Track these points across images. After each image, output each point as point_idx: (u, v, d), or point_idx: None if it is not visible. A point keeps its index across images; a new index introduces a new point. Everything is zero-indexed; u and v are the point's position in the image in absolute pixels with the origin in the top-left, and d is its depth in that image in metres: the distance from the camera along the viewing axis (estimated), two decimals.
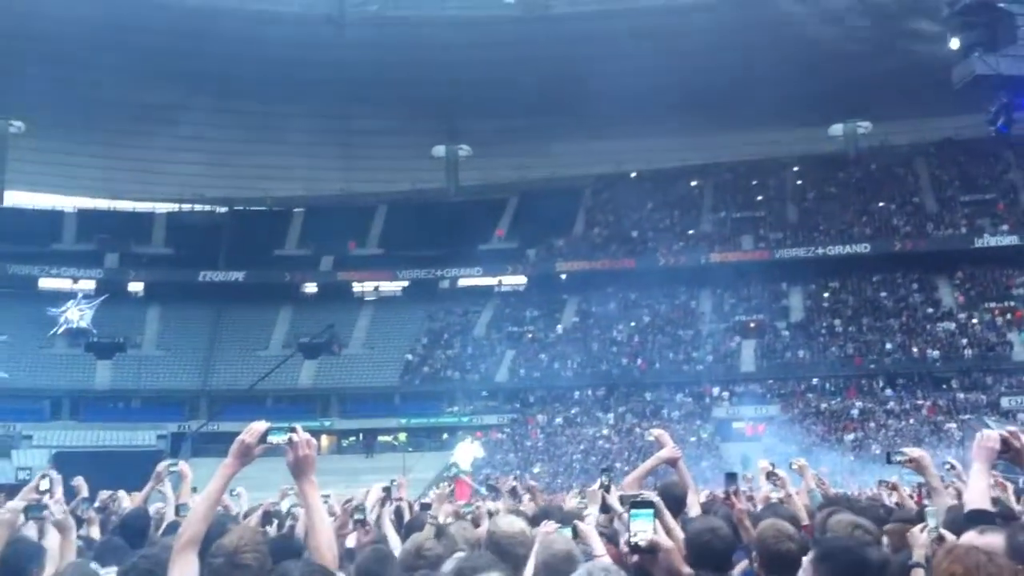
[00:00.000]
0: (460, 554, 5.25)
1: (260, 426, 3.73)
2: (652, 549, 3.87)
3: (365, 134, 63.71)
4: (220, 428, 45.97)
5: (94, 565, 5.35)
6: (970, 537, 3.62)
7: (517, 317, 63.53)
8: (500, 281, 66.84)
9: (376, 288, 68.61)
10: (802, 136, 62.70)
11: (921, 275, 58.17)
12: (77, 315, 59.44)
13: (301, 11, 54.77)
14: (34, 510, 6.48)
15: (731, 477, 6.96)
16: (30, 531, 6.98)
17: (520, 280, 66.41)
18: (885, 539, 5.54)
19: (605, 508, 5.89)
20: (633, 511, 3.98)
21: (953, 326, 54.44)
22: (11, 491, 6.85)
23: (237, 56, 55.87)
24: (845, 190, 63.66)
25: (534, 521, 6.08)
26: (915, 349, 53.60)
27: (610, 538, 5.86)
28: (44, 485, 6.66)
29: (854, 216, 61.28)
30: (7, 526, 5.95)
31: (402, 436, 58.72)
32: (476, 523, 8.18)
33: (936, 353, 52.85)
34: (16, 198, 68.30)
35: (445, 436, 56.22)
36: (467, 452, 34.36)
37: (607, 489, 5.96)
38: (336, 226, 65.69)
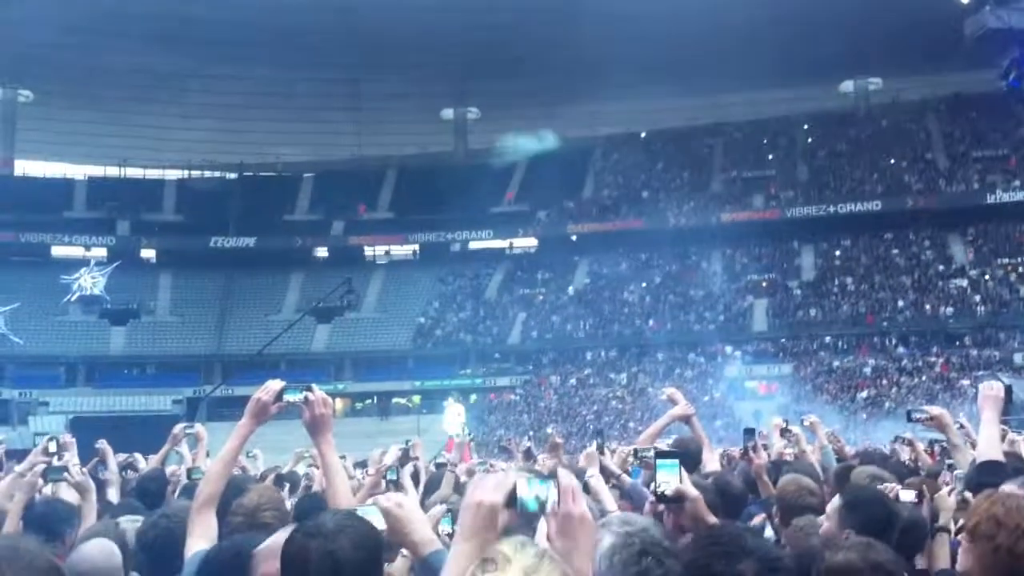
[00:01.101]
0: None
1: (276, 384, 3.74)
2: (679, 499, 3.91)
3: (374, 98, 63.49)
4: (234, 393, 46.14)
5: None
6: (1010, 488, 3.63)
7: (528, 279, 63.56)
8: (511, 244, 66.82)
9: (387, 252, 68.64)
10: (812, 94, 62.25)
11: (933, 232, 57.90)
12: (90, 282, 59.74)
13: None
14: (54, 472, 6.55)
15: (749, 433, 6.99)
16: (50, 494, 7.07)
17: (531, 242, 66.38)
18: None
19: (602, 470, 5.92)
20: (659, 461, 4.02)
21: (965, 283, 54.24)
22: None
23: (245, 21, 55.65)
24: (856, 147, 63.23)
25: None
26: (928, 306, 53.47)
27: (621, 494, 5.92)
28: (52, 448, 6.72)
29: (865, 174, 60.93)
30: (28, 489, 6.03)
31: (416, 399, 59.01)
32: None
33: (949, 310, 52.72)
34: (27, 167, 68.44)
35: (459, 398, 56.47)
36: (453, 418, 34.42)
37: (600, 451, 6.01)
38: (346, 190, 65.67)
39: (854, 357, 52.18)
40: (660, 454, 4.19)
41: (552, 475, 2.42)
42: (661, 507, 3.99)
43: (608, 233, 61.79)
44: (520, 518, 2.35)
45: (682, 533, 3.94)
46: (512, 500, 2.37)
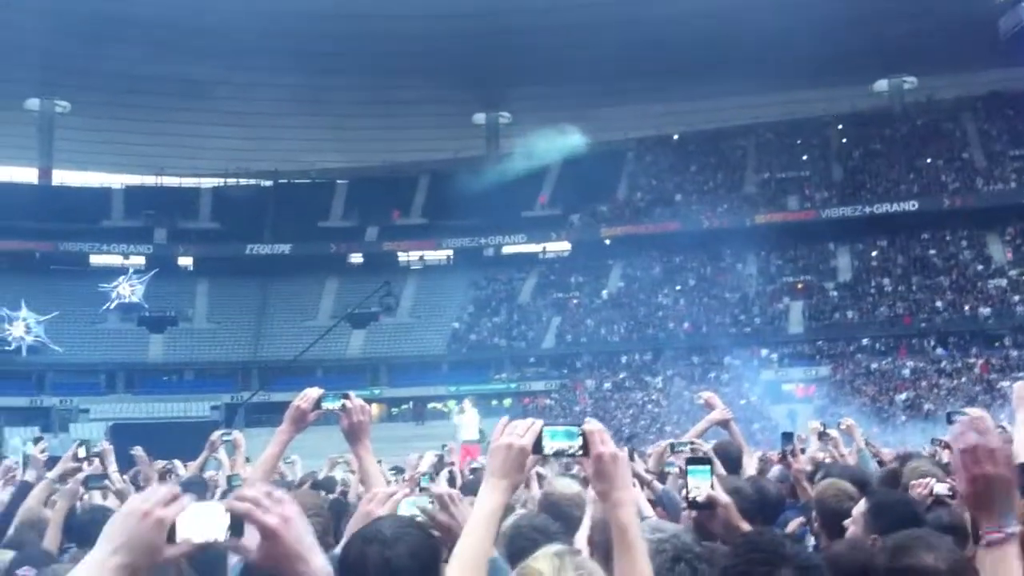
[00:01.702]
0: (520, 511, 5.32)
1: (314, 392, 3.79)
2: (710, 504, 3.90)
3: (406, 103, 63.74)
4: (272, 398, 46.43)
5: None
6: None
7: (562, 283, 63.50)
8: (544, 248, 66.81)
9: (421, 257, 68.85)
10: (846, 93, 61.78)
11: (971, 231, 57.25)
12: (128, 290, 60.45)
13: None
14: (94, 480, 6.64)
15: (787, 437, 6.98)
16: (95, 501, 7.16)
17: (564, 246, 66.33)
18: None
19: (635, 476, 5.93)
20: (690, 467, 4.01)
21: (1004, 282, 53.60)
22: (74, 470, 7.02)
23: (278, 30, 56.06)
24: (891, 147, 62.70)
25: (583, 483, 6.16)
26: (966, 307, 52.87)
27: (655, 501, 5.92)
28: (81, 453, 6.81)
29: (901, 173, 60.39)
30: (69, 496, 6.11)
31: (451, 404, 59.00)
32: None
33: (988, 310, 52.11)
34: (65, 177, 69.30)
35: (494, 403, 56.45)
36: (471, 423, 34.45)
37: (631, 457, 6.02)
38: (380, 196, 65.96)
39: (892, 359, 51.71)
40: (691, 460, 4.19)
41: (578, 424, 2.56)
42: (695, 513, 3.98)
43: (641, 236, 61.61)
44: (544, 462, 2.50)
45: (714, 539, 3.94)
46: (539, 446, 2.57)
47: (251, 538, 1.97)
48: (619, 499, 2.55)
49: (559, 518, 4.41)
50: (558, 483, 5.10)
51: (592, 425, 2.59)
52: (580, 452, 2.58)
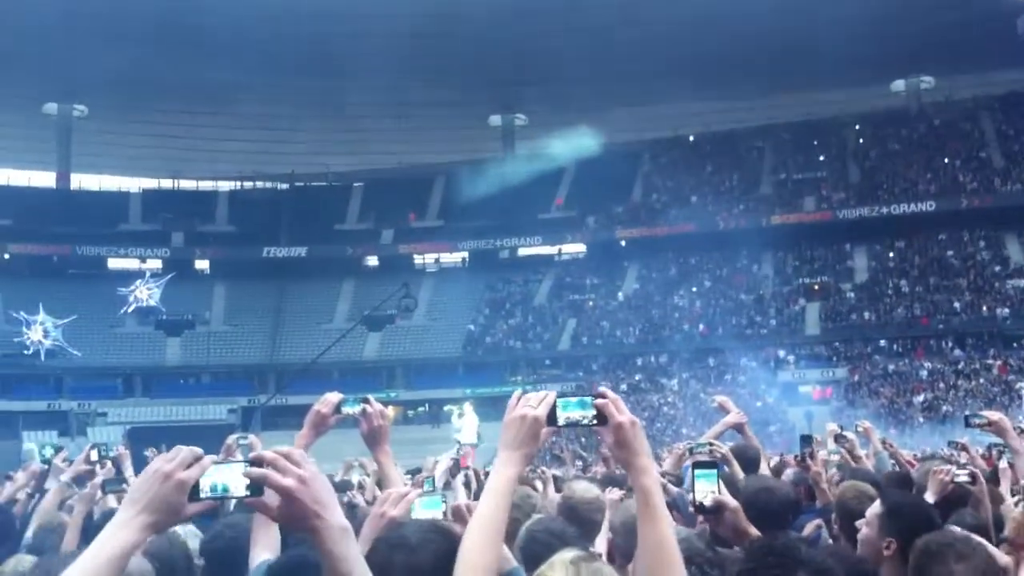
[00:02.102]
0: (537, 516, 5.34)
1: (334, 397, 3.80)
2: (717, 509, 3.89)
3: (422, 106, 63.83)
4: (288, 401, 46.59)
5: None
6: None
7: (578, 285, 63.47)
8: (560, 250, 66.82)
9: (437, 260, 68.94)
10: (863, 93, 61.62)
11: (988, 232, 56.94)
12: (146, 294, 60.75)
13: None
14: (112, 484, 6.67)
15: (806, 439, 6.96)
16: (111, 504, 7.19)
17: (580, 248, 66.33)
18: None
19: None
20: (697, 471, 3.98)
21: (1023, 283, 53.30)
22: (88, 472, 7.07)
23: (293, 33, 56.24)
24: (908, 147, 62.43)
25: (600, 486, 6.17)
26: (984, 308, 52.58)
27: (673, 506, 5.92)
28: (94, 456, 6.86)
29: (918, 173, 60.13)
30: (87, 500, 6.14)
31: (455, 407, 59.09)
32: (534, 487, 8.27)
33: (1006, 311, 51.82)
34: (83, 181, 69.67)
35: None
36: (469, 426, 34.41)
37: None
38: (395, 199, 66.08)
39: (909, 360, 51.49)
40: (698, 464, 4.16)
41: (593, 395, 2.58)
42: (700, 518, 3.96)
43: (657, 238, 61.53)
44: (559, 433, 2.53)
45: (721, 543, 3.93)
46: (552, 417, 2.57)
47: (271, 496, 2.04)
48: (642, 465, 2.56)
49: (578, 523, 4.41)
50: (577, 487, 5.10)
51: (607, 394, 2.59)
52: (594, 422, 2.58)
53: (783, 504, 4.80)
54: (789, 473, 7.69)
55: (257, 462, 2.05)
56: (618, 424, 2.56)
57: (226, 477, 2.05)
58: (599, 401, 2.57)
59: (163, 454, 2.09)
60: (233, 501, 2.36)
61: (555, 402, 2.60)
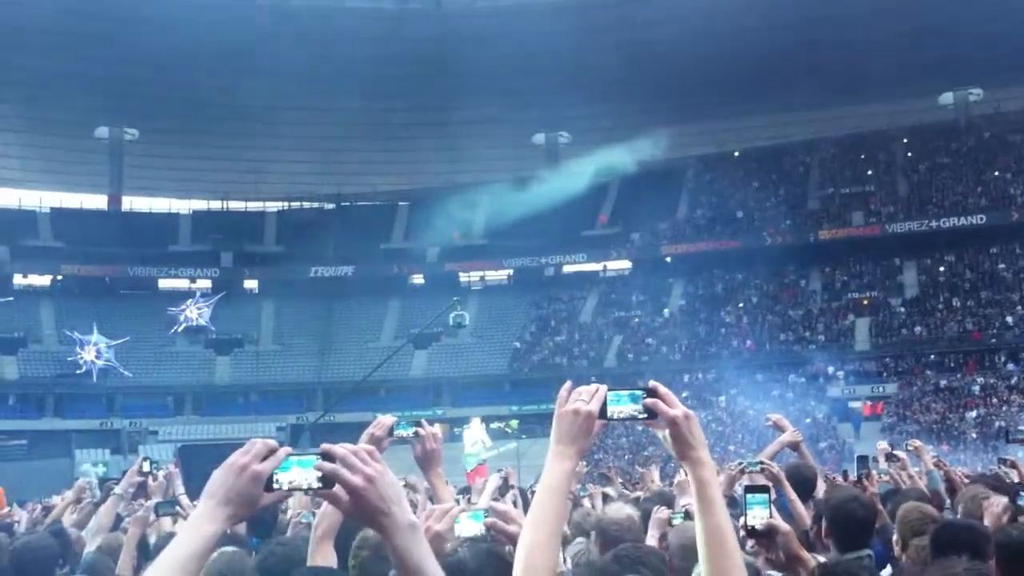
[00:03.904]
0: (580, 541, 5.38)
1: (388, 420, 3.85)
2: (769, 533, 3.86)
3: (465, 124, 64.11)
4: (337, 419, 46.86)
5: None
6: None
7: (623, 302, 63.27)
8: (605, 266, 66.68)
9: (482, 277, 69.10)
10: (910, 106, 61.00)
11: None
12: (196, 313, 61.52)
13: (398, 6, 55.37)
14: (165, 506, 6.77)
15: (862, 460, 6.88)
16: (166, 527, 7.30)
17: (625, 265, 66.12)
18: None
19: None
20: (749, 495, 3.95)
21: None
22: (140, 484, 7.21)
23: (338, 54, 56.82)
24: (958, 160, 61.69)
25: (644, 505, 6.17)
26: None
27: None
28: (145, 467, 7.01)
29: (968, 187, 59.37)
30: (140, 523, 6.23)
31: (514, 423, 59.06)
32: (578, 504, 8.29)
33: None
34: (133, 203, 70.76)
35: None
36: (470, 438, 34.10)
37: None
38: (441, 217, 66.27)
39: (961, 375, 50.73)
40: (749, 488, 4.12)
41: (644, 389, 2.59)
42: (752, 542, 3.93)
43: (703, 254, 61.22)
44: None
45: (773, 567, 3.90)
46: (604, 411, 2.60)
47: (342, 490, 2.11)
48: (699, 458, 2.61)
49: (610, 542, 4.43)
50: (608, 508, 5.12)
51: (659, 389, 2.61)
52: (645, 416, 2.60)
53: (870, 518, 4.74)
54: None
55: (328, 456, 2.11)
56: (672, 419, 2.59)
57: (299, 470, 2.12)
58: (648, 400, 2.59)
59: (240, 448, 2.17)
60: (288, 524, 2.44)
61: (606, 396, 2.61)
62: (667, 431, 2.61)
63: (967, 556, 3.51)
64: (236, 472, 2.10)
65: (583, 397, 2.63)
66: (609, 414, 2.59)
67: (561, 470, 2.58)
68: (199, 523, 2.06)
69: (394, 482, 2.13)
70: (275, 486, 2.11)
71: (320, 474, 2.10)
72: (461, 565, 2.73)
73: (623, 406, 2.61)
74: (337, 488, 2.09)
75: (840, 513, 4.54)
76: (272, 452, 2.13)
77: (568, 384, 2.71)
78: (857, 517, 4.55)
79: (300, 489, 2.14)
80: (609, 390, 2.63)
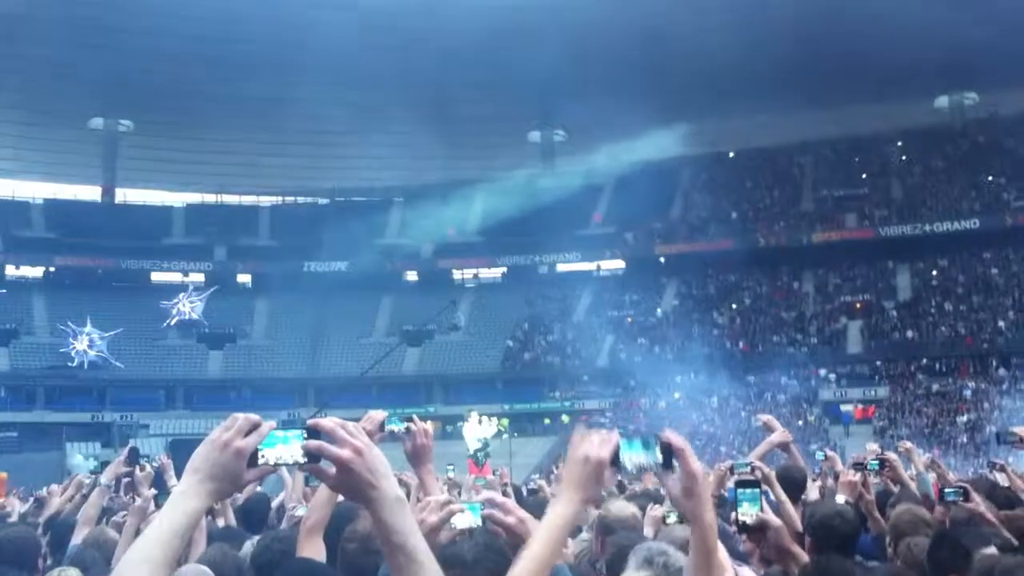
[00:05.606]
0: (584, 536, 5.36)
1: (379, 415, 3.84)
2: (760, 528, 3.85)
3: (462, 121, 64.06)
4: (329, 415, 46.82)
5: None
6: None
7: (616, 301, 63.29)
8: (598, 265, 66.70)
9: (476, 275, 69.10)
10: (905, 110, 61.06)
11: None
12: (189, 307, 61.43)
13: (398, 1, 55.33)
14: (165, 497, 6.76)
15: (858, 466, 6.86)
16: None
17: (618, 264, 66.17)
18: None
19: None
20: (740, 490, 3.94)
21: None
22: (126, 475, 7.24)
23: (336, 49, 56.67)
24: (952, 164, 61.80)
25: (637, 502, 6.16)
26: None
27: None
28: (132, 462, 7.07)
29: (962, 191, 59.48)
30: (140, 514, 6.22)
31: (505, 422, 59.04)
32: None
33: None
34: (127, 195, 70.62)
35: (548, 421, 56.48)
36: (469, 434, 34.00)
37: None
38: (435, 214, 66.22)
39: (953, 380, 50.84)
40: (740, 483, 4.11)
41: (656, 437, 2.54)
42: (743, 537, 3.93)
43: (697, 254, 61.29)
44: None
45: (766, 564, 3.89)
46: (616, 458, 2.50)
47: (328, 464, 2.11)
48: (709, 521, 2.53)
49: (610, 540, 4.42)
50: (613, 506, 5.09)
51: (676, 440, 2.53)
52: (660, 465, 2.53)
53: (854, 531, 4.78)
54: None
55: (314, 431, 2.11)
56: (691, 472, 2.51)
57: (284, 445, 2.12)
58: (662, 452, 2.50)
59: (222, 423, 2.15)
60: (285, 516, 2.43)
61: (618, 444, 2.52)
62: (680, 487, 2.53)
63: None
64: (219, 447, 2.08)
65: (594, 442, 2.52)
66: (622, 462, 2.51)
67: (563, 514, 2.49)
68: (182, 499, 2.05)
69: (380, 457, 2.13)
70: (260, 461, 2.10)
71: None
72: (459, 558, 2.71)
73: (636, 454, 2.53)
74: (324, 463, 2.09)
75: (820, 531, 4.58)
76: (255, 427, 2.12)
77: (580, 428, 2.60)
78: (840, 533, 4.58)
79: (285, 464, 2.13)
80: (621, 436, 2.53)
